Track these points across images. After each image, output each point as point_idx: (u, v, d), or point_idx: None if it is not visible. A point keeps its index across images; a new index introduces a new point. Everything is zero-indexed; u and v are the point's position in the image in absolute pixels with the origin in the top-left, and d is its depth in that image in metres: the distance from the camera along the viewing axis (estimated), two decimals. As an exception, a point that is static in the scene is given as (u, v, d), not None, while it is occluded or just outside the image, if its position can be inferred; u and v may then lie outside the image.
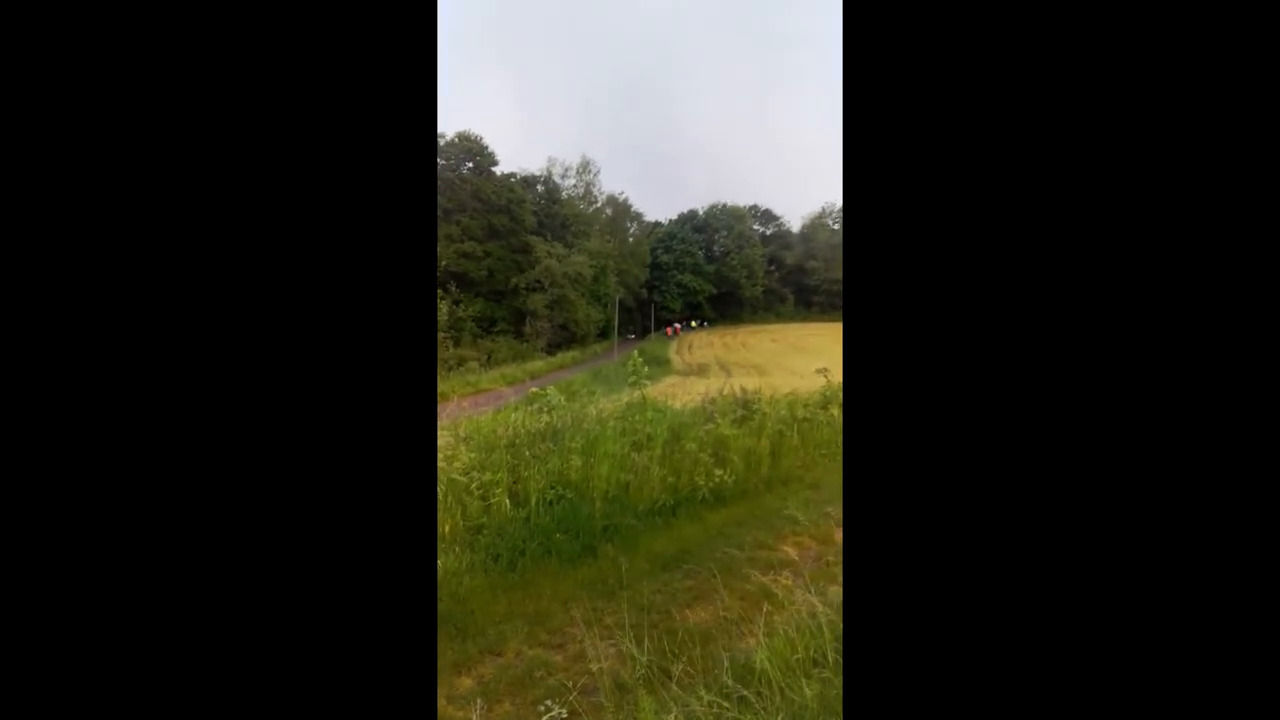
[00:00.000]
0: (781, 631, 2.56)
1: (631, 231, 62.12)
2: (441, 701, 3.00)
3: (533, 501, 5.54)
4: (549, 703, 1.98)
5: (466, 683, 3.19)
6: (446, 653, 3.44)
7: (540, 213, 45.16)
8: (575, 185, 54.58)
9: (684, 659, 2.52)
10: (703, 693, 2.21)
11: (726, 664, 2.44)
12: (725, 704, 2.13)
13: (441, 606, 3.98)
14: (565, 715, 1.90)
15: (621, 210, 60.60)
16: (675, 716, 2.08)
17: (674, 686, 2.26)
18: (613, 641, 3.02)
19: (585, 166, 55.36)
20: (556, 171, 52.85)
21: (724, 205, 69.10)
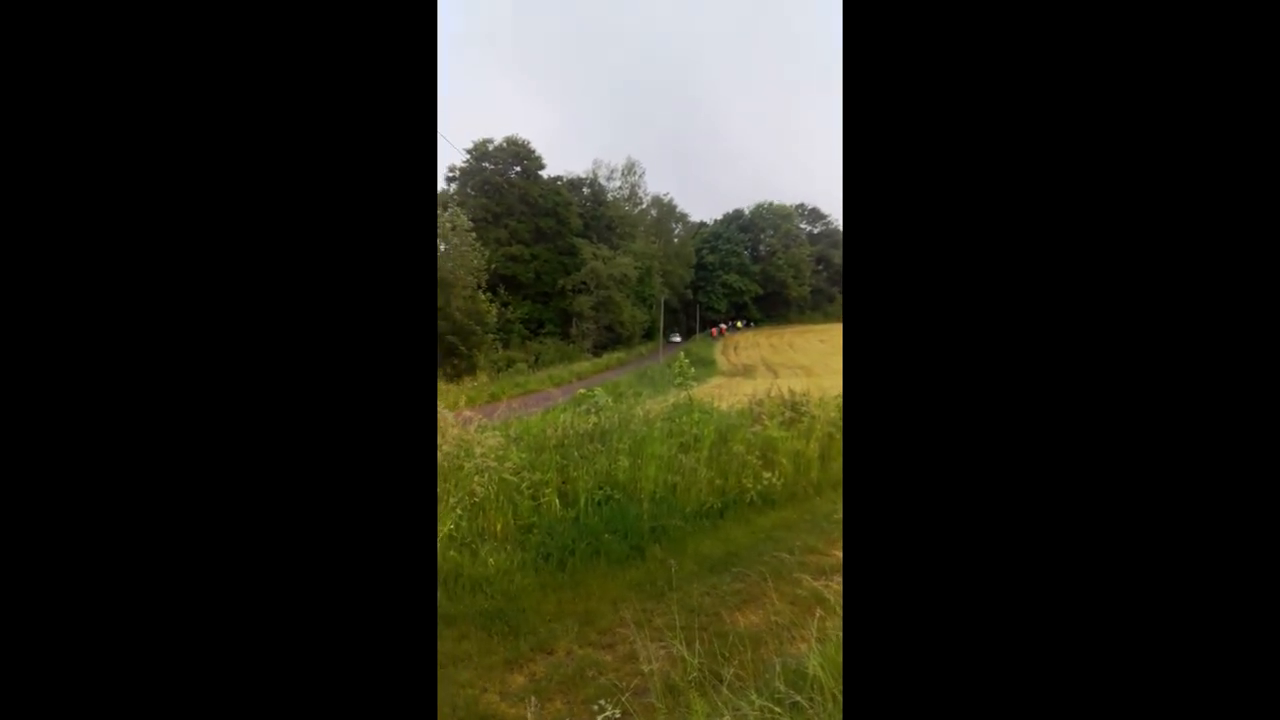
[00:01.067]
0: (834, 637, 2.53)
1: (676, 232, 62.12)
2: (494, 698, 3.07)
3: (581, 502, 5.60)
4: (602, 702, 2.01)
5: (519, 680, 3.25)
6: (499, 650, 3.52)
7: (586, 215, 45.55)
8: (620, 187, 54.95)
9: (735, 662, 2.52)
10: (754, 697, 2.20)
11: (778, 669, 2.43)
12: (777, 709, 2.11)
13: (493, 604, 4.06)
14: (618, 715, 1.92)
15: (666, 211, 60.67)
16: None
17: (725, 690, 2.25)
18: (663, 643, 3.03)
19: (630, 168, 55.68)
20: (602, 174, 53.33)
21: (770, 204, 68.47)
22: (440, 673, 3.27)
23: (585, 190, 48.95)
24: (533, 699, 2.67)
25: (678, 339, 37.92)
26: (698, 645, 2.75)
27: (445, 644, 3.57)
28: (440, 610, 3.92)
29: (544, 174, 41.12)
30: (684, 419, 6.85)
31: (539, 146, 40.90)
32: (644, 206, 57.52)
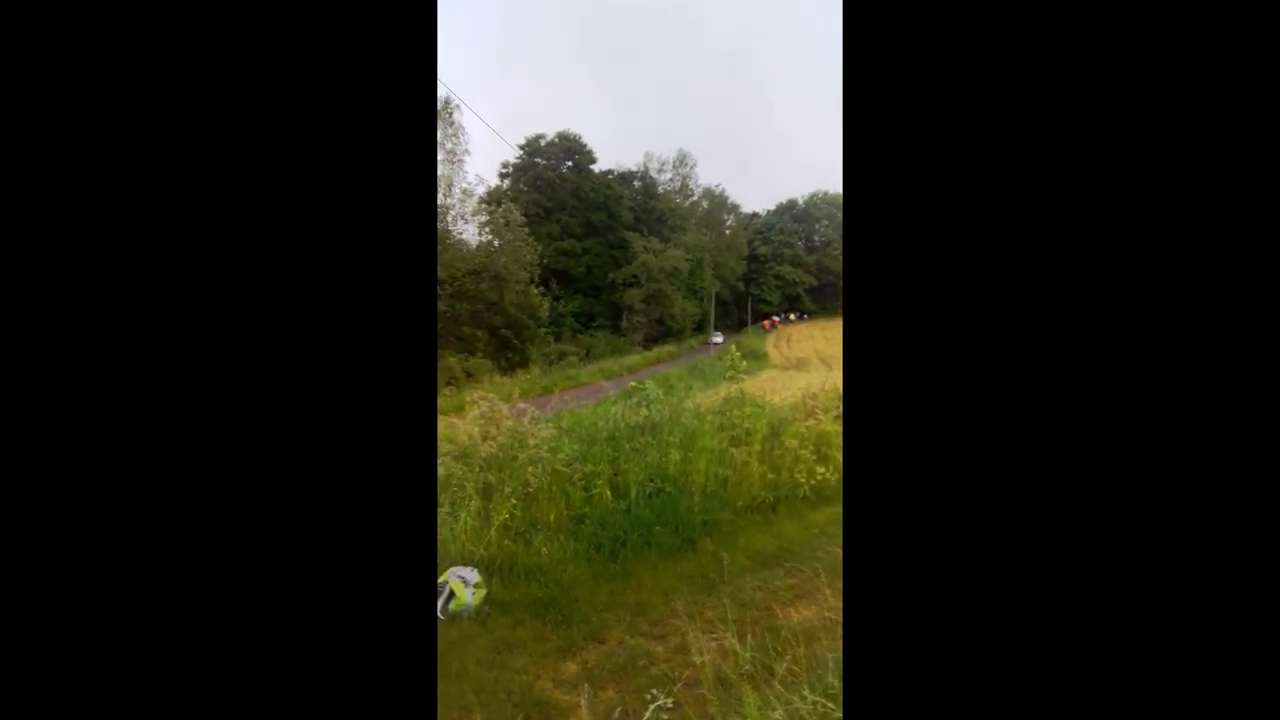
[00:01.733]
0: (890, 635, 2.47)
1: (728, 224, 61.49)
2: (547, 684, 3.13)
3: (632, 494, 5.63)
4: (654, 691, 2.02)
5: (571, 668, 3.30)
6: (552, 637, 3.58)
7: (637, 208, 45.59)
8: (671, 179, 54.67)
9: (787, 657, 2.49)
10: (807, 692, 2.18)
11: (831, 664, 2.40)
12: (830, 704, 2.09)
13: (546, 593, 4.14)
14: (671, 705, 1.94)
15: (718, 203, 60.11)
16: (780, 714, 2.07)
17: (777, 684, 2.24)
18: (714, 635, 3.03)
19: (682, 160, 55.31)
20: (653, 166, 53.13)
21: (825, 193, 67.05)
22: (494, 658, 3.35)
23: (636, 183, 48.99)
24: (586, 686, 2.71)
25: (719, 339, 36.61)
26: (749, 639, 2.73)
27: (500, 630, 3.65)
28: (495, 597, 4.02)
29: (595, 168, 41.37)
30: (736, 412, 6.79)
31: (591, 141, 41.11)
32: (695, 198, 57.12)
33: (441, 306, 22.20)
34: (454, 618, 3.79)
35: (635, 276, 40.21)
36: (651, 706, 1.75)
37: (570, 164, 39.96)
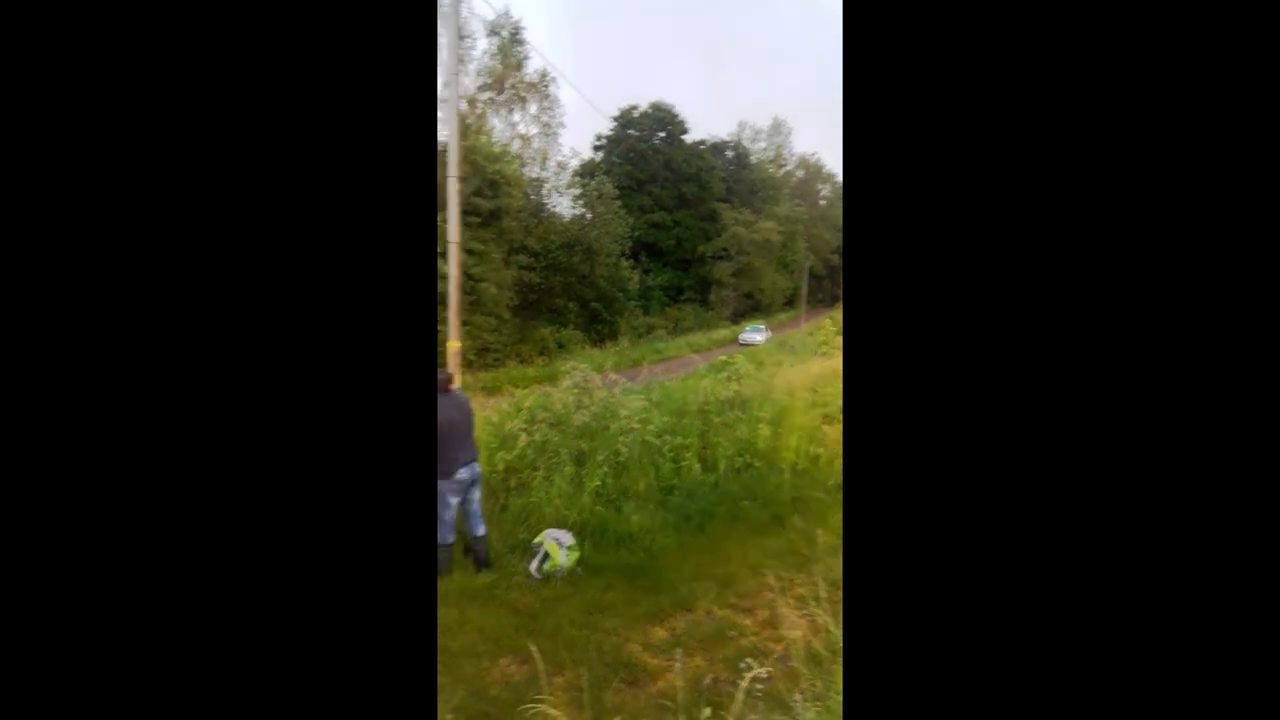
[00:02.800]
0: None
1: (823, 194, 59.38)
2: (637, 648, 3.22)
3: (721, 467, 5.65)
4: (749, 660, 2.04)
5: (660, 633, 3.38)
6: (641, 603, 3.67)
7: (729, 179, 44.74)
8: (765, 148, 53.29)
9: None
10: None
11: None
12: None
13: (635, 559, 4.24)
14: (766, 675, 1.95)
15: (813, 172, 58.11)
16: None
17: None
18: (805, 612, 3.01)
19: (776, 128, 53.76)
20: (746, 135, 51.94)
21: (929, 162, 63.16)
22: (586, 619, 3.48)
23: (729, 153, 48.01)
24: (680, 652, 2.77)
25: (759, 336, 29.78)
26: (841, 617, 2.70)
27: (591, 593, 3.78)
28: (587, 560, 4.16)
29: (688, 139, 40.84)
30: (828, 389, 6.65)
31: (684, 110, 40.50)
32: (789, 168, 55.50)
33: (535, 279, 22.78)
34: (548, 577, 3.95)
35: (725, 249, 39.64)
36: (748, 676, 1.77)
37: (663, 134, 39.62)
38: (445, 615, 3.51)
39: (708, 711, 1.83)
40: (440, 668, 3.04)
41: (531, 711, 2.00)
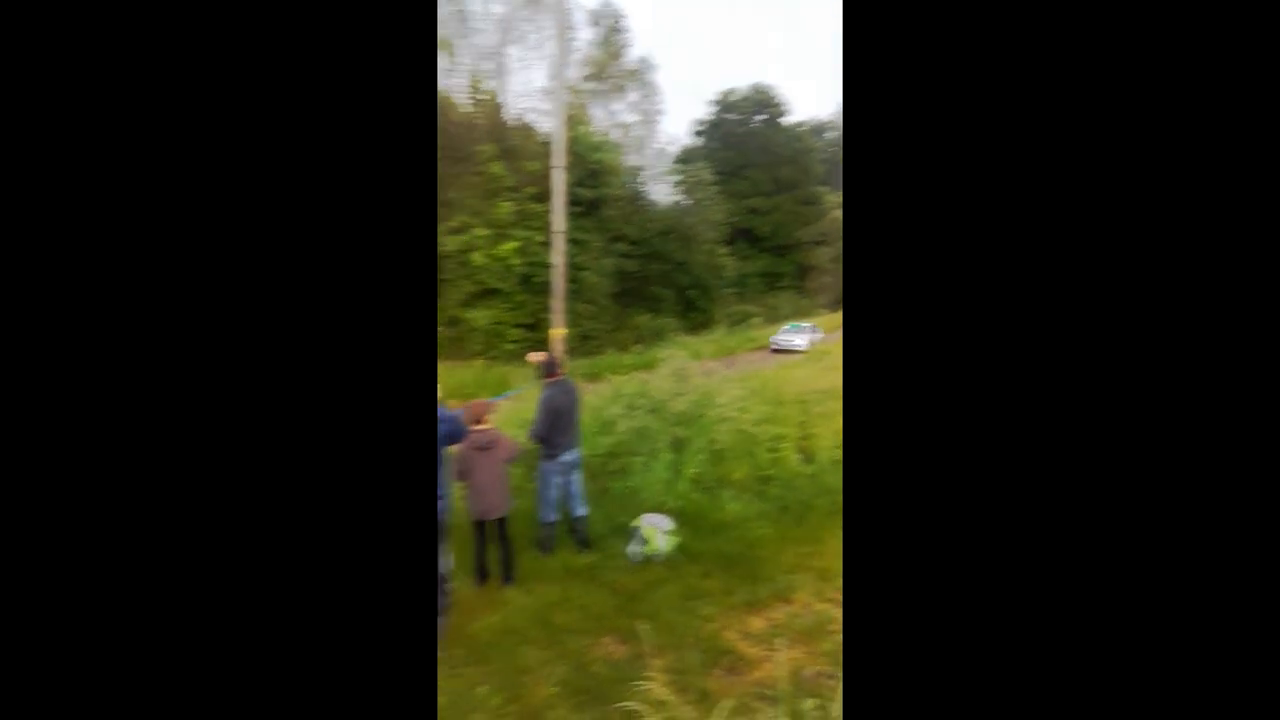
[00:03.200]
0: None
1: (933, 175, 56.06)
2: (734, 636, 3.24)
3: (821, 458, 5.53)
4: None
5: (758, 623, 3.38)
6: (738, 591, 3.68)
7: (830, 160, 43.22)
8: (870, 128, 50.77)
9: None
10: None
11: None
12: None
13: (732, 548, 4.25)
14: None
15: (922, 152, 54.91)
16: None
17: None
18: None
19: (882, 107, 51.05)
20: (850, 115, 49.69)
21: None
22: (684, 604, 3.53)
23: (829, 134, 46.34)
24: (783, 642, 2.77)
25: (801, 339, 22.28)
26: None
27: (689, 579, 3.83)
28: (685, 547, 4.21)
29: (787, 120, 39.72)
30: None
31: (785, 91, 39.33)
32: (896, 149, 52.69)
33: (633, 266, 23.01)
34: (646, 561, 4.04)
35: (824, 235, 38.38)
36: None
37: (762, 117, 38.74)
38: (549, 592, 3.67)
39: (811, 703, 1.83)
40: (545, 642, 3.19)
41: (638, 690, 2.07)
